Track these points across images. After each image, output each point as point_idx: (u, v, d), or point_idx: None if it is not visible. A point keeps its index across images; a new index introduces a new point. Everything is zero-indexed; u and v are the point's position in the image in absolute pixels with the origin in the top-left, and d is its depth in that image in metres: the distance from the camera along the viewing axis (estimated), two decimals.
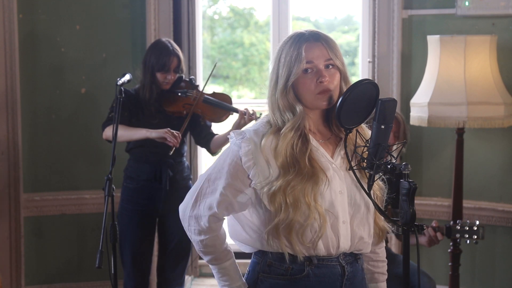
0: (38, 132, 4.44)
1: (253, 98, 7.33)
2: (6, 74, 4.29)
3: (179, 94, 3.70)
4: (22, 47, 4.35)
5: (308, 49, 2.04)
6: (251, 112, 3.66)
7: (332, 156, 2.10)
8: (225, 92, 4.10)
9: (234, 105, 3.78)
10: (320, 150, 2.08)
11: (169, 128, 3.51)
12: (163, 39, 3.74)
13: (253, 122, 3.65)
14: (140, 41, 4.47)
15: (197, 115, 3.72)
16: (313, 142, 2.08)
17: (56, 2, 4.42)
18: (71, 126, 4.48)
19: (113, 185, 3.02)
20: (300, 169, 2.01)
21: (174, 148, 3.53)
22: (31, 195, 4.45)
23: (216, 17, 7.28)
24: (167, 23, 4.52)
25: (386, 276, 2.27)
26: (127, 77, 3.41)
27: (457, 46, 3.79)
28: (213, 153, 3.82)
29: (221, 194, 2.04)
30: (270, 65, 2.16)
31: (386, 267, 2.27)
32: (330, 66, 2.06)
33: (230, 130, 3.63)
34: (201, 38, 5.02)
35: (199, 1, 4.85)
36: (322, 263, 2.07)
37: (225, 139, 3.71)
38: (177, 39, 4.64)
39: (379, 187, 2.13)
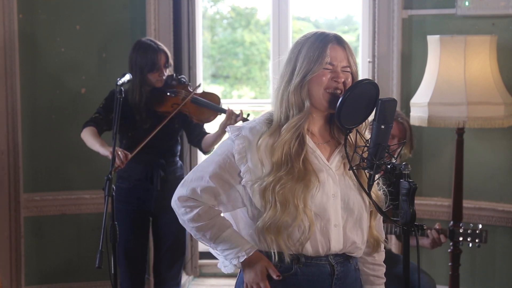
0: (38, 132, 4.44)
1: (253, 97, 7.33)
2: (6, 74, 4.29)
3: (168, 94, 3.68)
4: (22, 47, 4.35)
5: (332, 50, 2.06)
6: (237, 113, 3.64)
7: (328, 159, 2.10)
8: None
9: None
10: (316, 152, 2.09)
11: (118, 148, 3.45)
12: (143, 39, 3.72)
13: (240, 122, 3.64)
14: None
15: (185, 114, 3.71)
16: (310, 143, 2.08)
17: (56, 2, 4.42)
18: (71, 126, 4.47)
19: (113, 185, 3.03)
20: (292, 168, 2.02)
21: (118, 168, 3.43)
22: (31, 195, 4.45)
23: (217, 17, 7.29)
24: (167, 23, 4.52)
25: (383, 280, 2.26)
26: (127, 77, 3.41)
27: (457, 46, 3.79)
28: (205, 152, 3.81)
29: (207, 181, 2.07)
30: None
31: (383, 271, 2.26)
32: (346, 71, 2.07)
33: (219, 130, 3.65)
34: (201, 38, 5.02)
35: (199, 1, 4.85)
36: (310, 262, 2.07)
37: (215, 138, 3.70)
38: (177, 39, 4.64)
39: (376, 196, 2.12)
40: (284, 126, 2.05)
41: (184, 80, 3.78)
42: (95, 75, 4.47)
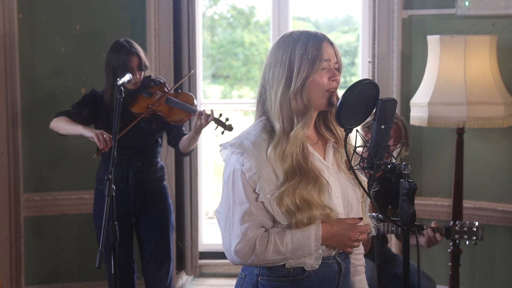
0: (38, 132, 4.44)
1: (253, 97, 7.33)
2: (6, 74, 4.29)
3: (144, 95, 3.65)
4: (22, 47, 4.35)
5: (326, 48, 2.05)
6: (208, 113, 3.58)
7: (324, 159, 2.11)
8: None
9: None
10: (315, 155, 2.09)
11: (103, 131, 3.46)
12: (121, 40, 3.68)
13: (212, 123, 3.59)
14: (140, 41, 4.46)
15: (160, 115, 3.66)
16: (310, 149, 2.08)
17: (56, 2, 4.42)
18: None
19: (113, 185, 3.02)
20: (306, 174, 2.01)
21: (101, 150, 3.44)
22: (31, 195, 4.45)
23: (216, 17, 7.29)
24: (167, 23, 4.52)
25: (364, 268, 2.28)
26: (127, 77, 3.41)
27: (457, 46, 3.79)
28: (183, 154, 3.76)
29: (252, 216, 2.02)
30: (265, 65, 2.11)
31: (364, 259, 2.29)
32: (336, 68, 2.08)
33: (192, 131, 3.59)
34: (201, 38, 5.02)
35: (199, 1, 4.85)
36: (321, 262, 2.07)
37: (189, 140, 3.64)
38: (177, 39, 4.64)
39: (362, 181, 2.11)
40: (292, 133, 2.03)
41: (161, 81, 3.73)
42: (95, 75, 4.46)
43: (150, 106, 3.60)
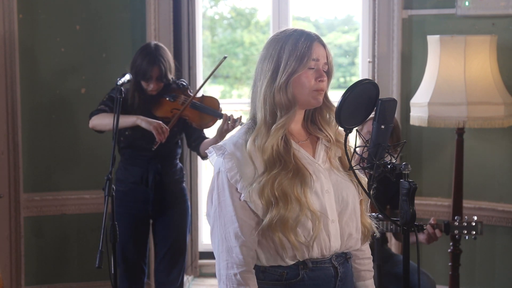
0: (38, 132, 4.44)
1: None
2: (6, 74, 4.29)
3: (167, 98, 3.65)
4: (22, 47, 4.35)
5: (316, 47, 2.05)
6: (235, 118, 3.59)
7: (313, 156, 2.10)
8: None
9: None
10: (301, 151, 2.09)
11: (160, 122, 3.48)
12: (152, 44, 3.65)
13: (238, 127, 3.60)
14: (140, 41, 4.46)
15: (185, 119, 3.67)
16: (293, 144, 2.08)
17: (56, 2, 4.42)
18: (71, 126, 4.48)
19: (113, 185, 3.02)
20: (286, 164, 2.01)
21: (158, 143, 3.48)
22: (31, 195, 4.45)
23: (216, 17, 7.29)
24: (167, 23, 4.52)
25: (372, 273, 2.27)
26: (127, 77, 3.40)
27: (457, 46, 3.79)
28: (203, 157, 3.75)
29: (238, 219, 2.02)
30: (257, 61, 2.11)
31: (371, 264, 2.27)
32: (324, 70, 2.08)
33: (216, 135, 3.59)
34: (201, 38, 5.02)
35: (199, 1, 4.85)
36: (316, 266, 2.06)
37: (214, 143, 3.64)
38: (177, 39, 4.64)
39: (361, 179, 2.10)
40: (273, 127, 2.03)
41: (184, 84, 3.72)
42: (95, 75, 4.47)
43: (175, 110, 3.60)
